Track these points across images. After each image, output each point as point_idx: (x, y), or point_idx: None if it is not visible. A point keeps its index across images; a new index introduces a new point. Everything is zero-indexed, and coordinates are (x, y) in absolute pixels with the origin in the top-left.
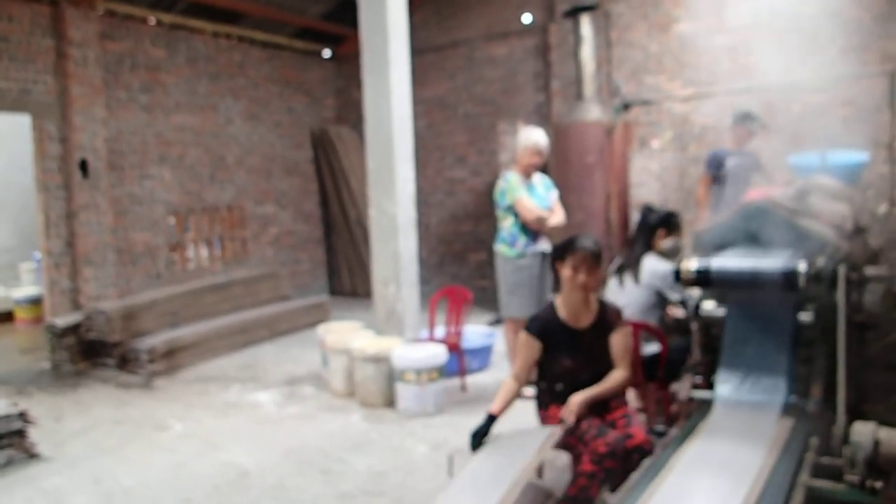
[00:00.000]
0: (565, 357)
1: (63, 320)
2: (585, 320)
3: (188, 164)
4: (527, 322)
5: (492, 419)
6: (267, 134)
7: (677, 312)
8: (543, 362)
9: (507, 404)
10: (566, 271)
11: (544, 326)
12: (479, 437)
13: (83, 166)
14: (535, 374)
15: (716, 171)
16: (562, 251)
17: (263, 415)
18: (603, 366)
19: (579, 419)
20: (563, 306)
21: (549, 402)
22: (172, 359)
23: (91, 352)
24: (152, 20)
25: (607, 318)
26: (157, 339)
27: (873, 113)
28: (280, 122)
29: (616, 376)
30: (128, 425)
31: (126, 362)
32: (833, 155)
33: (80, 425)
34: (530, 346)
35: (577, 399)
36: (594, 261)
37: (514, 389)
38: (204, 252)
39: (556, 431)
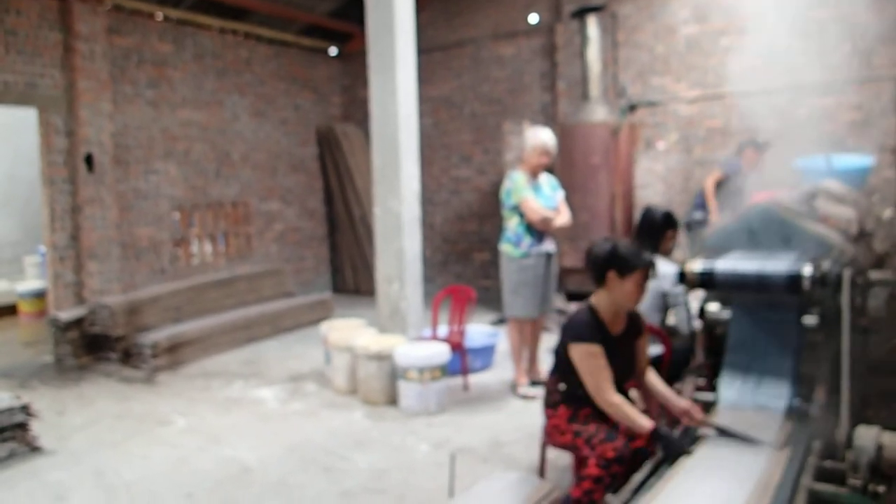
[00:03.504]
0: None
1: (67, 314)
2: (620, 326)
3: (194, 159)
4: (577, 334)
5: (659, 433)
6: (273, 131)
7: (672, 320)
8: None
9: (641, 414)
10: (629, 286)
11: (595, 333)
12: (679, 452)
13: (88, 161)
14: (545, 375)
15: (728, 175)
16: (625, 264)
17: (266, 411)
18: (630, 371)
19: (586, 422)
20: (605, 313)
21: (559, 401)
22: (175, 354)
23: (94, 346)
24: (159, 15)
25: (636, 322)
26: (161, 334)
27: (880, 117)
28: (286, 119)
29: (653, 377)
30: (130, 420)
31: (129, 357)
32: (839, 159)
33: (83, 419)
34: (600, 354)
35: (693, 405)
36: (649, 276)
37: (624, 401)
38: (208, 248)
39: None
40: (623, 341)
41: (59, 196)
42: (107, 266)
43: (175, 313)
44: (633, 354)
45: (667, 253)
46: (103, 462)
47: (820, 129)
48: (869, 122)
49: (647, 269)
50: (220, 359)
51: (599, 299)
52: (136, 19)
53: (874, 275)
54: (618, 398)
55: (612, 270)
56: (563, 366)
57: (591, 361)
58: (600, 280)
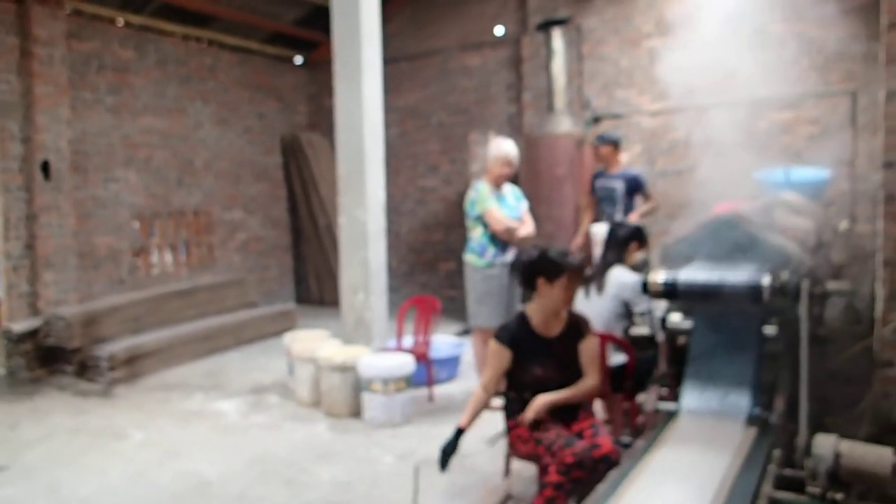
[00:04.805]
0: (536, 366)
1: (20, 325)
2: (556, 329)
3: (155, 167)
4: (496, 331)
5: (460, 433)
6: (236, 139)
7: (642, 328)
8: (513, 372)
9: (476, 416)
10: (557, 290)
11: (515, 335)
12: (447, 454)
13: (45, 168)
14: (503, 385)
15: (590, 195)
16: (551, 269)
17: (227, 424)
18: (572, 374)
19: (540, 423)
20: (535, 316)
21: (517, 411)
22: (134, 366)
23: (49, 358)
24: (121, 21)
25: (577, 326)
26: (119, 346)
27: (837, 131)
28: (250, 128)
29: (585, 383)
30: (86, 434)
31: (85, 369)
32: (797, 171)
33: (37, 434)
34: (501, 356)
35: (542, 400)
36: (581, 278)
37: (484, 400)
38: (169, 257)
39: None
40: (560, 344)
41: (13, 204)
42: (63, 276)
43: (134, 324)
44: (573, 357)
45: (633, 265)
46: (58, 477)
47: (778, 142)
48: (826, 135)
49: (576, 275)
50: (180, 371)
51: (532, 305)
52: (97, 24)
53: (831, 285)
54: (478, 391)
55: (541, 277)
56: (508, 373)
57: (491, 358)
58: (530, 287)
